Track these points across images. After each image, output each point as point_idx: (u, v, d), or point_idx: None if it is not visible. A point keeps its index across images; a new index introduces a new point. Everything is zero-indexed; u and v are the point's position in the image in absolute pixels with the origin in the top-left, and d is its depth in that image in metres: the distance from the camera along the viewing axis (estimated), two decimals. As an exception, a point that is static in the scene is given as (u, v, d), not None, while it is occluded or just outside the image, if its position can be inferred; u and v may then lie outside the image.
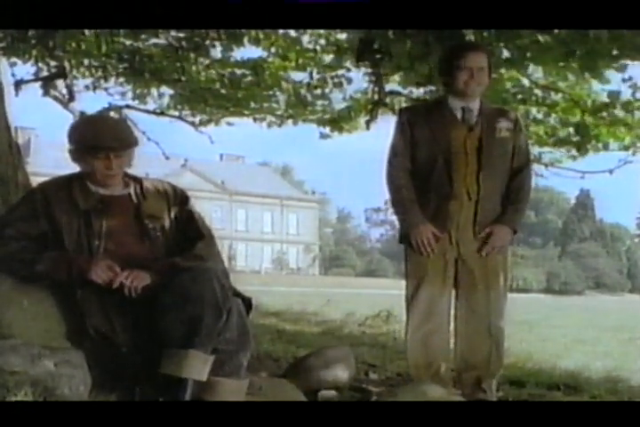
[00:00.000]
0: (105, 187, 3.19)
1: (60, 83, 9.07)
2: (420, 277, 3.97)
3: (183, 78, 8.49)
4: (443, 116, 3.94)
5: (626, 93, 7.09)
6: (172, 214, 3.27)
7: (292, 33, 7.69)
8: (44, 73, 8.70)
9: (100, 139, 3.10)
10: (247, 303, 3.16)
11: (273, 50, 8.11)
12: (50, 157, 39.38)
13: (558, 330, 13.63)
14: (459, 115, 3.94)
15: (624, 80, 6.43)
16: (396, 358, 5.29)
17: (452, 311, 4.02)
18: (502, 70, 6.72)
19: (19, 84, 8.42)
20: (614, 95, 7.18)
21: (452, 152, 3.89)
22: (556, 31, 5.30)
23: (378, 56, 6.48)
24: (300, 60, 8.18)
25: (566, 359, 7.24)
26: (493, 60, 4.26)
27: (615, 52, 5.40)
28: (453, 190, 3.89)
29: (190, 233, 3.27)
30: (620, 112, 7.55)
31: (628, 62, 5.75)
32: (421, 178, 3.93)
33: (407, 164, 3.95)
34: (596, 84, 6.87)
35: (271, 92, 8.92)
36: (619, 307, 31.80)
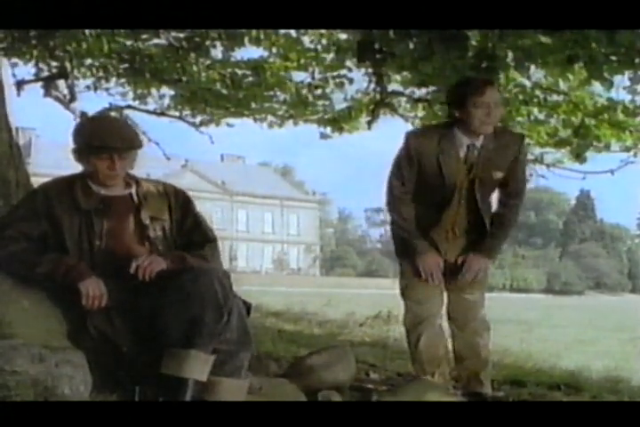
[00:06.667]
0: (106, 187, 3.19)
1: (61, 83, 9.10)
2: (411, 278, 4.05)
3: (184, 78, 8.49)
4: (449, 150, 3.88)
5: (625, 97, 7.09)
6: (174, 216, 3.27)
7: (293, 33, 7.69)
8: (45, 73, 8.72)
9: (105, 139, 3.10)
10: (247, 308, 3.16)
11: (274, 50, 8.11)
12: (51, 158, 39.37)
13: (558, 330, 13.65)
14: (462, 153, 3.89)
15: (624, 88, 6.40)
16: (397, 358, 5.30)
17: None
18: (504, 71, 6.69)
19: (20, 85, 8.44)
20: (613, 102, 7.23)
21: (448, 188, 3.90)
22: (558, 33, 5.28)
23: (379, 56, 6.47)
24: (302, 60, 8.18)
25: (566, 359, 7.25)
26: (498, 62, 4.23)
27: (614, 58, 5.37)
28: (440, 225, 3.96)
29: (197, 236, 3.28)
30: (620, 115, 7.54)
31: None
32: (418, 203, 3.96)
33: (411, 190, 3.95)
34: (597, 86, 6.85)
35: (272, 93, 8.92)
36: (619, 307, 31.81)
